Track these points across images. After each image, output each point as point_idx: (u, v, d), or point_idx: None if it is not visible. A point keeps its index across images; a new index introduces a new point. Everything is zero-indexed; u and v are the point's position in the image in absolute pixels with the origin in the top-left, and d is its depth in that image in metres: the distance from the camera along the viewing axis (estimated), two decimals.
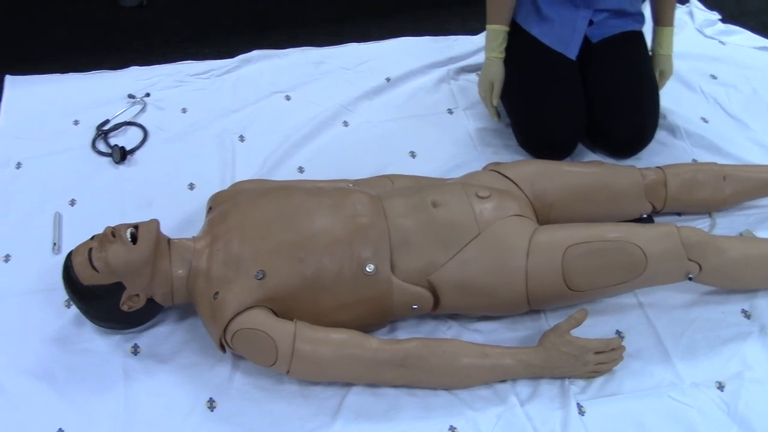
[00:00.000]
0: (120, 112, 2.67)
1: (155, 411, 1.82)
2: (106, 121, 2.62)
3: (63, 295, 1.99)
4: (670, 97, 2.68)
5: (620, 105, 2.41)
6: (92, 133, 2.58)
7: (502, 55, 2.43)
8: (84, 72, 2.86)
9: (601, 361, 1.84)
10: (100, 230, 1.86)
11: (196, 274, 1.86)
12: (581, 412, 1.80)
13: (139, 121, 2.64)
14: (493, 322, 2.00)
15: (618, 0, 2.41)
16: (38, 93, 2.75)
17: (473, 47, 2.96)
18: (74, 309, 1.99)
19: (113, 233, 1.81)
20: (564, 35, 2.43)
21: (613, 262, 1.88)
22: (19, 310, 2.03)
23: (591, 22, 2.43)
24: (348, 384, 1.85)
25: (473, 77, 2.84)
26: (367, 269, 1.82)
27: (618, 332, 1.98)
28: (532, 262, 1.86)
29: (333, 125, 2.63)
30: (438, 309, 1.92)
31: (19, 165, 2.46)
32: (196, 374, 1.89)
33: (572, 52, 2.43)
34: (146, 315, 1.92)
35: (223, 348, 1.83)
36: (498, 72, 2.43)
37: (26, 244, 2.21)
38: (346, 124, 2.65)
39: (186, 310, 2.01)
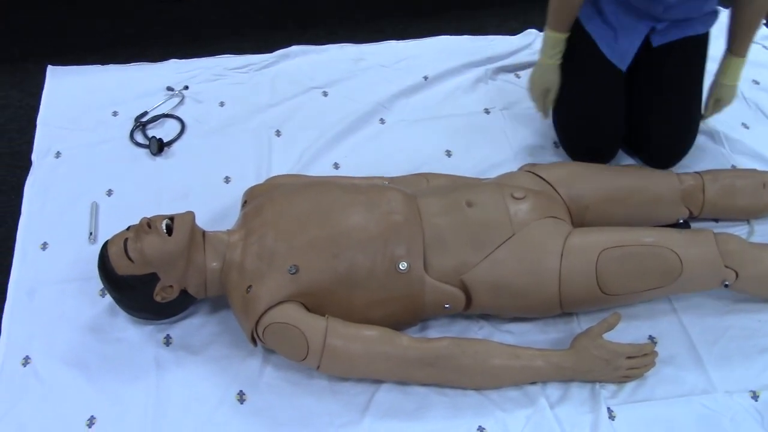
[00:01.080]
0: (158, 104, 2.68)
1: (185, 402, 1.84)
2: (145, 113, 2.64)
3: (98, 284, 2.01)
4: None
5: (659, 122, 2.36)
6: (131, 124, 2.60)
7: (559, 62, 2.33)
8: (124, 64, 2.89)
9: (633, 366, 1.82)
10: (136, 221, 1.87)
11: (229, 267, 1.87)
12: (611, 417, 1.78)
13: (176, 113, 2.66)
14: (525, 323, 1.99)
15: (686, 10, 2.27)
16: (79, 84, 2.78)
17: (511, 47, 2.94)
18: (109, 298, 2.01)
19: (149, 224, 1.82)
20: (621, 47, 2.35)
21: (648, 267, 1.86)
22: (54, 298, 2.06)
23: (653, 29, 2.33)
24: (378, 381, 1.85)
25: (511, 77, 2.83)
26: (400, 267, 1.82)
27: (651, 337, 1.97)
28: (566, 264, 1.85)
29: (370, 122, 2.63)
30: (470, 309, 1.91)
31: (58, 154, 2.49)
32: (226, 366, 1.91)
33: (624, 65, 2.35)
34: (179, 306, 1.94)
35: (254, 341, 1.84)
36: (555, 79, 2.34)
37: (63, 233, 2.23)
38: (382, 121, 2.64)
39: (218, 303, 2.02)
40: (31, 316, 2.01)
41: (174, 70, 2.85)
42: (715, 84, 2.36)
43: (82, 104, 2.69)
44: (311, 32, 2.79)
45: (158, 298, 1.85)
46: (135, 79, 2.80)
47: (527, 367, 1.81)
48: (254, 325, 1.79)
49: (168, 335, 1.97)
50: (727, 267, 1.87)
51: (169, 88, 2.75)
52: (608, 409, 1.80)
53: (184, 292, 1.88)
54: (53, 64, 2.86)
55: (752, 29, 2.25)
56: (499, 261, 1.85)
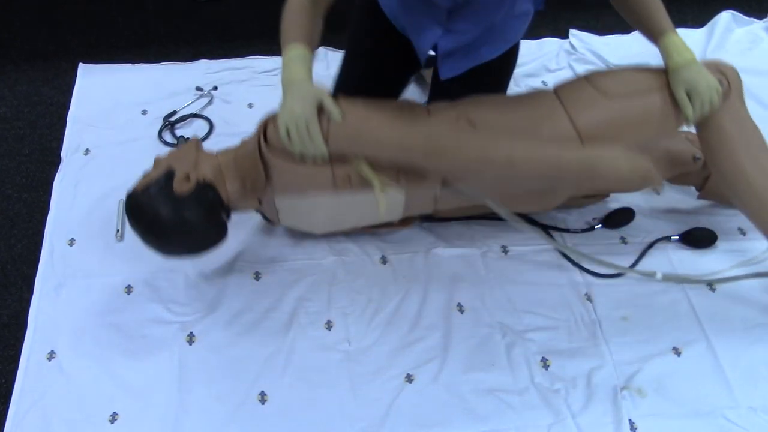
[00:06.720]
0: (187, 104, 2.70)
1: (207, 401, 1.84)
2: (174, 112, 2.66)
3: (123, 280, 2.03)
4: None
5: None
6: (159, 123, 2.62)
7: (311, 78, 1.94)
8: (155, 63, 2.91)
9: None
10: None
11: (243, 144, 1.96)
12: (633, 429, 1.78)
13: (205, 113, 2.68)
14: (549, 331, 1.98)
15: (473, 16, 1.98)
16: (109, 82, 2.80)
17: (537, 53, 2.94)
18: (134, 295, 2.02)
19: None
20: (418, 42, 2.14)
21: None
22: (80, 293, 2.07)
23: (439, 51, 2.10)
24: (399, 386, 1.86)
25: (537, 83, 2.82)
26: None
27: (675, 349, 1.96)
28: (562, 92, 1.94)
29: None
30: None
31: (87, 151, 2.51)
32: (249, 366, 1.91)
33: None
34: (213, 230, 1.91)
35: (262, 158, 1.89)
36: (320, 89, 1.94)
37: (90, 229, 2.25)
38: None
39: (242, 304, 2.04)
40: (57, 311, 2.03)
41: (203, 70, 2.87)
42: (670, 76, 1.90)
43: (111, 102, 2.71)
44: (342, 35, 2.78)
45: (178, 190, 1.82)
46: (165, 78, 2.82)
47: (549, 145, 1.80)
48: (263, 129, 1.92)
49: (191, 333, 1.98)
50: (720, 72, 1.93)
51: (198, 89, 2.77)
52: (630, 420, 1.79)
53: (205, 189, 1.88)
54: (85, 62, 2.88)
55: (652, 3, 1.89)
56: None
